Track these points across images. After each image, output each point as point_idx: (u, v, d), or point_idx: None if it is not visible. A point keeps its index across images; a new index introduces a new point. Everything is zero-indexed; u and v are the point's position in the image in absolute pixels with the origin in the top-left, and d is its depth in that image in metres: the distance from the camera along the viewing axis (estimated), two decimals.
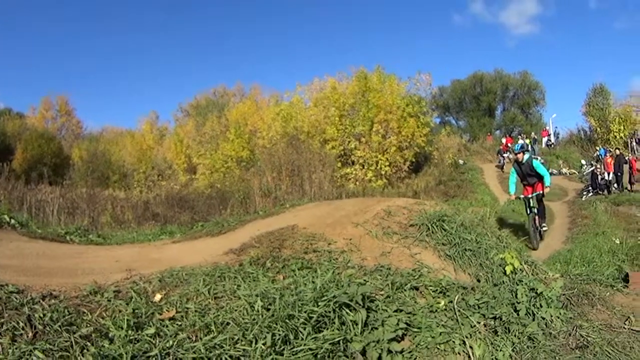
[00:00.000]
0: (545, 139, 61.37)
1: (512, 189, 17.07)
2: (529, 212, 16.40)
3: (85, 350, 3.18)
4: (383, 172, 38.84)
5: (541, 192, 16.18)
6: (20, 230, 8.30)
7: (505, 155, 49.74)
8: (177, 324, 3.50)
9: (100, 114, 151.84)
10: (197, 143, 52.16)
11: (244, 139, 44.87)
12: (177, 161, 54.92)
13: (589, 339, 5.34)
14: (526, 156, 16.57)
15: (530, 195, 16.30)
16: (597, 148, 49.44)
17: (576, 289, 6.52)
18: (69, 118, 69.61)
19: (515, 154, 16.88)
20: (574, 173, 45.34)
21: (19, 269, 4.73)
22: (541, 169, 16.19)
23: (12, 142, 57.53)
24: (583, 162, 45.87)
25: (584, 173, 41.29)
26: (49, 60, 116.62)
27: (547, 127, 65.25)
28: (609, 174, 34.18)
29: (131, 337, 3.28)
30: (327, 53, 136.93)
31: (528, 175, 16.49)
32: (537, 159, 16.86)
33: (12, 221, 8.51)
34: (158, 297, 3.86)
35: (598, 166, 35.52)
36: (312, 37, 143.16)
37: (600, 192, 32.27)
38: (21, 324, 3.24)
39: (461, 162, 49.57)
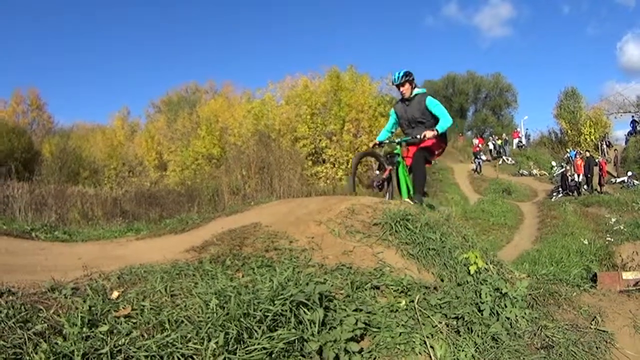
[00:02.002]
0: (516, 141, 62.14)
1: (381, 135, 10.70)
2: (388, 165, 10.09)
3: (37, 347, 3.15)
4: None
5: (423, 154, 9.89)
6: None
7: (481, 158, 49.99)
8: (132, 322, 3.47)
9: (72, 110, 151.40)
10: (168, 139, 52.08)
11: (215, 136, 44.88)
12: (148, 158, 54.73)
13: (554, 339, 5.35)
14: (416, 91, 10.16)
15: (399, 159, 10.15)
16: (568, 150, 50.17)
17: (542, 289, 6.53)
18: (40, 112, 68.97)
19: (397, 86, 10.12)
20: (544, 174, 46.05)
21: None
22: (439, 110, 9.83)
23: None
24: (553, 163, 46.57)
25: (554, 174, 41.78)
26: (19, 53, 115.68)
27: (519, 129, 66.05)
28: (579, 175, 34.62)
29: (85, 334, 3.25)
30: (299, 51, 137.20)
31: (415, 122, 10.03)
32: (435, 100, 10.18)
33: None
34: (115, 294, 3.83)
35: (568, 168, 35.97)
36: (285, 35, 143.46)
37: (570, 194, 32.71)
38: None
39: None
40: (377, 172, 10.16)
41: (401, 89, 10.19)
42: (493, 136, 63.11)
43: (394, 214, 6.33)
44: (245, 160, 26.62)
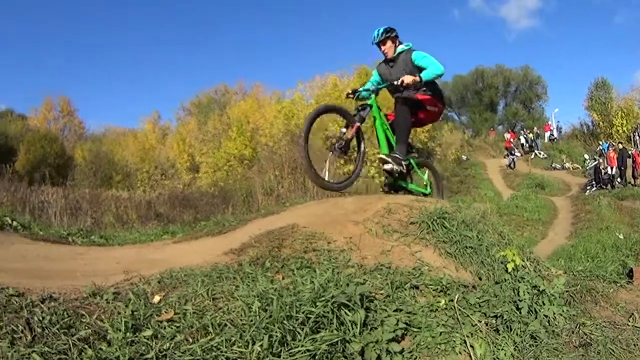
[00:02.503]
0: (547, 134, 61.55)
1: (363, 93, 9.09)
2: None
3: (83, 353, 3.18)
4: None
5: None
6: (22, 232, 8.30)
7: (515, 153, 49.58)
8: (175, 326, 3.50)
9: (102, 114, 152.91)
10: (199, 142, 52.39)
11: (246, 137, 45.05)
12: (179, 160, 55.15)
13: (592, 336, 5.31)
14: (401, 48, 8.82)
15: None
16: (600, 142, 49.52)
17: (579, 286, 6.47)
18: (71, 119, 69.74)
19: (377, 45, 8.81)
20: (577, 168, 45.55)
21: (20, 271, 4.72)
22: (428, 61, 8.42)
23: (14, 143, 57.77)
24: (586, 156, 45.98)
25: (587, 168, 41.29)
26: (50, 60, 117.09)
27: (550, 122, 65.44)
28: (612, 168, 34.22)
29: (129, 339, 3.28)
30: (327, 50, 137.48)
31: (402, 86, 8.34)
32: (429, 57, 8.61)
33: (14, 223, 8.51)
34: (157, 298, 3.86)
35: (601, 161, 35.57)
36: (313, 33, 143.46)
37: (604, 187, 32.35)
38: (20, 327, 3.24)
39: (464, 157, 49.79)
40: (344, 130, 8.32)
41: (382, 47, 8.88)
42: (525, 130, 62.72)
43: (431, 213, 6.30)
44: (278, 161, 26.60)
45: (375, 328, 3.82)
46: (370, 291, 4.11)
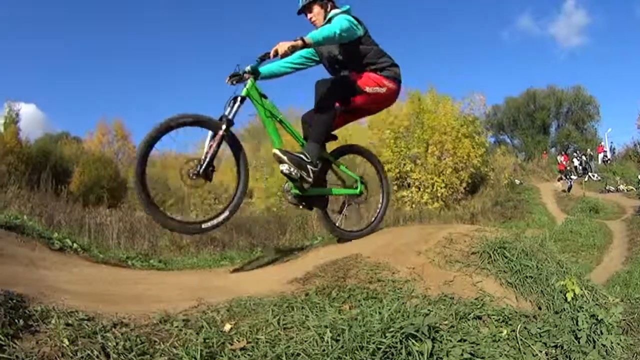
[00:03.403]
0: (601, 155, 60.60)
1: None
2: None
3: None
4: (439, 194, 38.85)
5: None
6: (82, 254, 8.40)
7: (572, 177, 48.89)
8: (248, 355, 3.55)
9: None
10: (252, 167, 52.44)
11: None
12: (233, 185, 55.19)
13: None
14: (333, 12, 6.75)
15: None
16: None
17: (637, 314, 6.44)
18: (125, 142, 70.52)
19: (303, 13, 6.96)
20: (632, 190, 44.53)
21: (86, 295, 4.79)
22: (334, 21, 6.40)
23: (69, 165, 58.59)
24: None
25: None
26: (105, 83, 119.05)
27: (603, 143, 64.48)
28: None
29: None
30: None
31: (336, 61, 7.01)
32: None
33: (74, 245, 8.59)
34: (228, 327, 3.92)
35: None
36: None
37: None
38: (95, 352, 3.31)
39: (517, 182, 49.27)
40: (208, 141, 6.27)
41: (308, 15, 6.93)
42: (578, 152, 61.95)
43: (492, 242, 6.29)
44: None
45: (441, 358, 3.86)
46: (436, 322, 4.15)
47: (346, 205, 7.64)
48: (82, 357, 3.26)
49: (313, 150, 6.49)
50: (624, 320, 6.14)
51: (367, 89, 6.74)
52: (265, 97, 6.70)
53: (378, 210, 7.83)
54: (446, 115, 41.32)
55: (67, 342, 3.35)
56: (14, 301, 3.62)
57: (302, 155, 6.38)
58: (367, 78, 6.78)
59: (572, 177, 49.81)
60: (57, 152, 61.53)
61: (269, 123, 6.72)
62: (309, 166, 6.38)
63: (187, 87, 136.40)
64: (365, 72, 6.82)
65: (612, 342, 5.41)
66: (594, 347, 5.23)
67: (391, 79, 6.91)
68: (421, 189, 39.07)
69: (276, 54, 6.05)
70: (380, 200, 7.93)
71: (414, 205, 37.10)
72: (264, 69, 6.93)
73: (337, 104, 6.75)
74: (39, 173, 19.55)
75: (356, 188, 7.53)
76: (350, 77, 6.81)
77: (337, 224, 7.45)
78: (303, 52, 7.05)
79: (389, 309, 4.23)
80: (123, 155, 69.23)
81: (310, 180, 6.51)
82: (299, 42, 5.99)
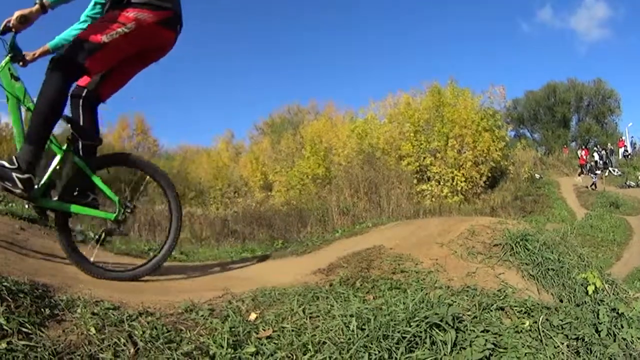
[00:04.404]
0: (622, 150, 59.95)
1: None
2: None
3: None
4: (459, 188, 38.89)
5: None
6: (105, 246, 8.44)
7: (596, 172, 48.36)
8: (274, 343, 3.58)
9: (177, 133, 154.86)
10: (272, 160, 52.84)
11: (320, 156, 45.09)
12: (253, 178, 55.68)
13: None
14: None
15: None
16: None
17: None
18: (145, 137, 71.05)
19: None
20: None
21: (110, 285, 4.83)
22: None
23: None
24: None
25: None
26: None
27: (623, 137, 63.77)
28: None
29: (232, 355, 3.37)
30: (397, 67, 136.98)
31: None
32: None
33: (96, 237, 8.62)
34: (253, 316, 3.95)
35: None
36: (384, 51, 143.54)
37: None
38: (122, 340, 3.34)
39: (537, 176, 48.98)
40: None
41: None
42: (598, 146, 61.38)
43: (513, 235, 6.27)
44: (353, 180, 26.61)
45: (464, 348, 3.88)
46: (459, 312, 4.17)
47: (106, 235, 5.88)
48: (109, 345, 3.29)
49: (24, 154, 4.89)
50: None
51: (104, 39, 5.00)
52: (18, 80, 5.15)
53: (164, 243, 5.83)
54: (466, 108, 41.29)
55: (93, 331, 3.38)
56: (40, 291, 3.65)
57: (4, 162, 4.84)
58: (102, 25, 5.15)
59: (597, 172, 49.27)
60: None
61: (15, 117, 5.16)
62: (14, 174, 4.81)
63: (211, 82, 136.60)
64: (108, 12, 5.28)
65: (632, 336, 5.40)
66: (615, 341, 5.21)
67: (142, 7, 5.16)
68: (441, 183, 39.05)
69: (17, 19, 4.71)
70: (168, 230, 5.84)
71: (433, 199, 37.03)
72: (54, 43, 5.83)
73: (66, 84, 5.08)
74: None
75: (113, 212, 5.52)
76: (79, 37, 5.16)
77: (88, 256, 5.36)
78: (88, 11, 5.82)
79: (413, 299, 4.25)
80: (143, 149, 69.56)
81: (19, 192, 4.84)
82: (36, 7, 4.71)
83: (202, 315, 3.85)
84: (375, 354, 3.50)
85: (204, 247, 13.36)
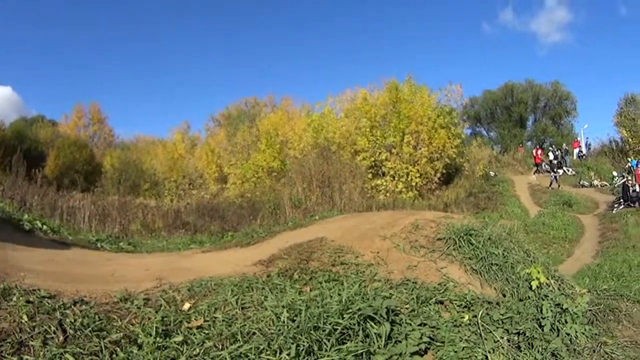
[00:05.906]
0: (576, 150, 60.42)
1: None
2: None
3: (114, 355, 3.28)
4: (414, 184, 38.98)
5: None
6: (52, 236, 8.39)
7: (557, 171, 48.61)
8: (204, 333, 3.58)
9: (132, 123, 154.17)
10: (228, 153, 52.60)
11: (275, 149, 45.05)
12: (208, 170, 55.41)
13: (613, 355, 5.32)
14: None
15: None
16: (629, 159, 48.56)
17: (603, 305, 6.49)
18: (101, 126, 70.54)
19: None
20: (606, 185, 44.64)
21: (51, 274, 4.82)
22: None
23: (44, 148, 58.39)
24: (615, 173, 45.05)
25: (616, 185, 40.66)
26: (82, 67, 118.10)
27: (579, 138, 64.23)
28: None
29: (159, 344, 3.37)
30: (357, 63, 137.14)
31: None
32: None
33: (44, 227, 8.58)
34: (187, 306, 3.94)
35: (629, 178, 35.06)
36: (343, 47, 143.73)
37: (632, 205, 31.75)
38: (52, 328, 3.33)
39: (492, 174, 49.31)
40: None
41: None
42: (553, 146, 61.95)
43: (458, 229, 6.32)
44: (307, 174, 26.59)
45: (400, 341, 3.89)
46: (396, 305, 4.17)
47: None
48: (39, 332, 3.28)
49: None
50: (590, 310, 6.19)
51: None
52: None
53: None
54: (423, 105, 41.41)
55: (25, 318, 3.36)
56: None
57: None
58: None
59: (558, 170, 49.56)
60: (32, 136, 61.18)
61: None
62: None
63: (168, 72, 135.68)
64: None
65: (576, 331, 5.44)
66: (558, 336, 5.26)
67: None
68: (396, 178, 39.12)
69: None
70: None
71: (388, 194, 37.10)
72: None
73: None
74: (11, 156, 19.38)
75: None
76: None
77: None
78: None
79: (349, 291, 4.24)
80: (99, 139, 69.06)
81: None
82: None
83: (137, 305, 3.83)
84: (304, 345, 3.49)
85: (153, 239, 13.26)
